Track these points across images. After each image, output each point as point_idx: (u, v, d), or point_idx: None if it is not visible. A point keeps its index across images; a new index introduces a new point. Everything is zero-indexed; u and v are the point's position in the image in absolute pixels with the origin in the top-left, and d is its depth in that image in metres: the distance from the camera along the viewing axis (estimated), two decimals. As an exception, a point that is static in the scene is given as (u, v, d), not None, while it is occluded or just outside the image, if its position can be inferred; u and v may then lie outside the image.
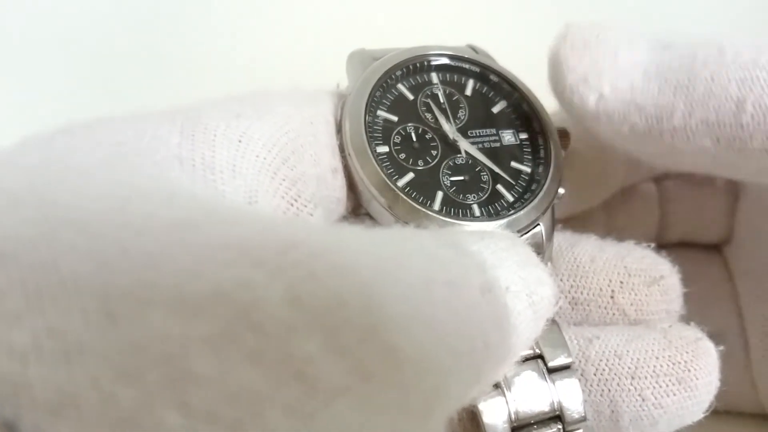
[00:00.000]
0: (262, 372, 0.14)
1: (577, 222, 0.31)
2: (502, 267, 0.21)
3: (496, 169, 0.27)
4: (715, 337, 0.26)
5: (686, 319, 0.28)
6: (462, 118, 0.28)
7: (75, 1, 0.49)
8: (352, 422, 0.15)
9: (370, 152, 0.25)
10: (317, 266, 0.16)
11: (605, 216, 0.35)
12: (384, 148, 0.26)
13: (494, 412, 0.24)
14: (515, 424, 0.24)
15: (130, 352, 0.13)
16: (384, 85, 0.27)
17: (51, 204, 0.16)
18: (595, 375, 0.25)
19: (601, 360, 0.25)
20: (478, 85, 0.29)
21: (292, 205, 0.25)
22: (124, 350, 0.13)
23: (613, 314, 0.27)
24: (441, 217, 0.25)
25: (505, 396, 0.24)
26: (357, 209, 0.27)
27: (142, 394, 0.13)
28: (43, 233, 0.15)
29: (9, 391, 0.12)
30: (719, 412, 0.26)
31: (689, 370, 0.25)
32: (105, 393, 0.13)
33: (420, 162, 0.26)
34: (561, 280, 0.27)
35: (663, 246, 0.28)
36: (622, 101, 0.26)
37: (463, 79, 0.29)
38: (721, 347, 0.26)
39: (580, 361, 0.26)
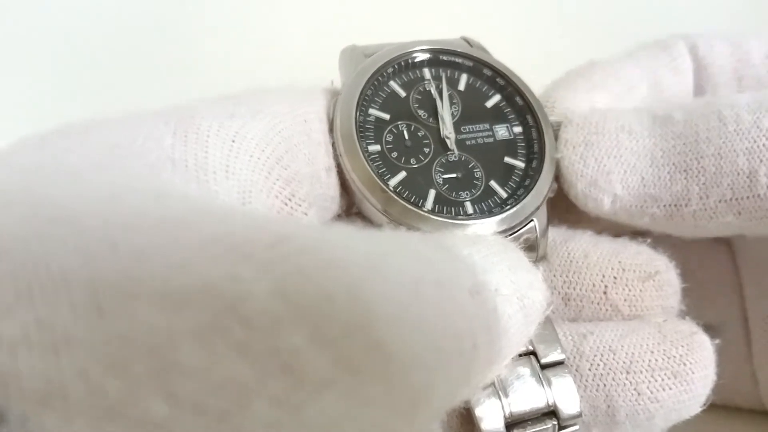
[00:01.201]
0: (248, 364, 0.14)
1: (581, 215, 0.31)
2: (493, 271, 0.21)
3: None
4: (716, 328, 0.26)
5: (689, 309, 0.27)
6: (455, 113, 0.28)
7: (72, 2, 0.50)
8: (338, 415, 0.15)
9: (361, 152, 0.25)
10: (305, 261, 0.16)
11: None
12: (376, 147, 0.26)
13: (491, 417, 0.24)
14: (509, 421, 0.24)
15: (117, 343, 0.13)
16: (375, 83, 0.27)
17: (42, 202, 0.16)
18: (590, 370, 0.25)
19: (595, 355, 0.25)
20: (471, 79, 0.29)
21: (286, 204, 0.25)
22: (112, 342, 0.13)
23: (606, 310, 0.27)
24: (433, 217, 0.25)
25: (500, 398, 0.24)
26: (351, 208, 0.27)
27: (129, 385, 0.13)
28: (33, 229, 0.15)
29: None
30: (718, 406, 0.26)
31: (684, 364, 0.25)
32: (92, 384, 0.13)
33: (412, 160, 0.26)
34: (554, 275, 0.27)
35: (668, 234, 0.28)
36: (636, 196, 0.26)
37: (456, 73, 0.29)
38: (718, 341, 0.26)
39: (574, 357, 0.26)
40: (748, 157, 0.24)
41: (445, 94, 0.28)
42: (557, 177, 0.27)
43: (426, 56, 0.29)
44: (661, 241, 0.28)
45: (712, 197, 0.25)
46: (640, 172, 0.26)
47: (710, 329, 0.26)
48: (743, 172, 0.24)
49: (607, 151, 0.26)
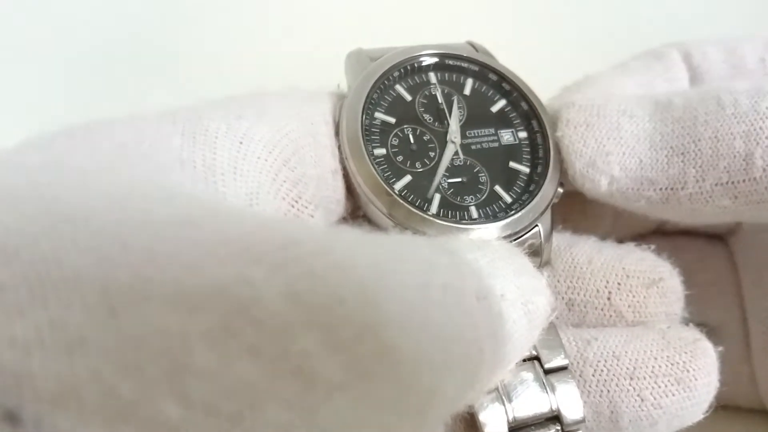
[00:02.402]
0: (260, 366, 0.14)
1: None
2: (498, 276, 0.21)
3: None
4: (715, 329, 0.26)
5: (688, 308, 0.27)
6: (460, 118, 0.28)
7: (75, 2, 0.50)
8: (349, 418, 0.15)
9: (366, 156, 0.25)
10: (316, 264, 0.16)
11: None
12: (381, 151, 0.26)
13: (495, 422, 0.24)
14: (513, 426, 0.24)
15: (130, 344, 0.13)
16: (381, 86, 0.27)
17: (51, 201, 0.16)
18: (593, 376, 0.25)
19: (599, 361, 0.25)
20: (477, 84, 0.29)
21: (293, 206, 0.25)
22: (125, 343, 0.13)
23: (610, 316, 0.27)
24: (438, 221, 0.25)
25: (503, 404, 0.24)
26: (356, 211, 0.27)
27: (142, 386, 0.13)
28: (44, 229, 0.15)
29: (11, 382, 0.13)
30: (718, 406, 0.26)
31: (688, 371, 0.25)
32: (105, 384, 0.13)
33: (418, 164, 0.26)
34: (558, 281, 0.27)
35: (667, 235, 0.28)
36: (633, 179, 0.26)
37: (462, 78, 0.29)
38: (720, 348, 0.26)
39: (578, 363, 0.26)
40: (745, 139, 0.24)
41: (442, 107, 0.28)
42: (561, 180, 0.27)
43: (432, 60, 0.29)
44: (660, 242, 0.28)
45: (709, 180, 0.25)
46: (639, 155, 0.26)
47: (709, 330, 0.26)
48: (739, 154, 0.24)
49: (607, 133, 0.26)
